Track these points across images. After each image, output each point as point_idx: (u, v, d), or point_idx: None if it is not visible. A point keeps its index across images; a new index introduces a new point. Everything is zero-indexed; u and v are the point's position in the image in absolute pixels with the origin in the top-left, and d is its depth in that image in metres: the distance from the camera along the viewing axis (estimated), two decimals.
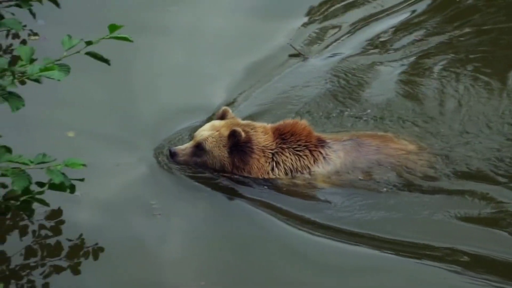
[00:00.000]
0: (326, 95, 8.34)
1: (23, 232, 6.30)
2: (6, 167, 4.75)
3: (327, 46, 9.37)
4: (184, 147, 7.13)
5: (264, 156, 7.07)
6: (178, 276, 6.19)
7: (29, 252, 6.17)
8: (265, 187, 7.08)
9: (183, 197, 7.02)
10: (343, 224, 6.69)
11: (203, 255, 6.41)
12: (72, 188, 5.10)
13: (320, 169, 7.07)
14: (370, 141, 7.18)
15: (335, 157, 7.09)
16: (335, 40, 9.48)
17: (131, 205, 6.87)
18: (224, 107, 7.32)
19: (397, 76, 8.68)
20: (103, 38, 4.81)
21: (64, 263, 6.13)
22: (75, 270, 6.08)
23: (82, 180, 5.73)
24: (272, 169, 7.09)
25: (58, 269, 6.08)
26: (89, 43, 4.80)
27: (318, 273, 6.24)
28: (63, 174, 4.92)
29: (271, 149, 7.09)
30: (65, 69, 4.74)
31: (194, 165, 7.16)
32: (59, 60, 4.75)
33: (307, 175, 7.09)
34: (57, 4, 5.62)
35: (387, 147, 7.15)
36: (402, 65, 8.91)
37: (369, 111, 8.02)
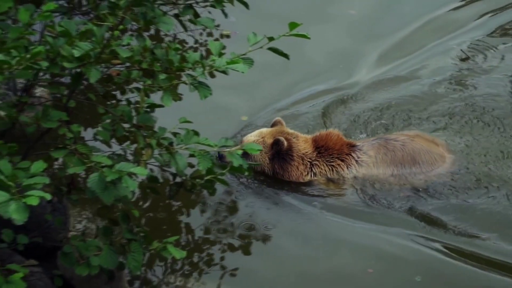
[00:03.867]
0: None
1: (204, 207, 6.87)
2: (194, 149, 5.14)
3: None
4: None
5: (303, 164, 7.27)
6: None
7: (208, 227, 6.69)
8: None
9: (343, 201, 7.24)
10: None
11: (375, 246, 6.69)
12: (249, 171, 5.44)
13: (355, 172, 7.17)
14: (396, 136, 7.24)
15: (367, 158, 7.16)
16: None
17: (298, 201, 7.20)
18: (277, 118, 7.51)
19: None
20: (284, 35, 5.03)
21: (236, 242, 6.59)
22: (246, 251, 6.50)
23: (258, 164, 6.16)
24: (311, 178, 7.26)
25: (231, 248, 6.54)
26: (271, 39, 5.06)
27: None
28: (242, 158, 5.26)
29: (310, 158, 7.27)
30: (249, 62, 5.04)
31: None
32: (244, 54, 5.05)
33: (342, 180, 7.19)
34: (246, 6, 5.96)
35: (413, 142, 7.15)
36: None
37: None
